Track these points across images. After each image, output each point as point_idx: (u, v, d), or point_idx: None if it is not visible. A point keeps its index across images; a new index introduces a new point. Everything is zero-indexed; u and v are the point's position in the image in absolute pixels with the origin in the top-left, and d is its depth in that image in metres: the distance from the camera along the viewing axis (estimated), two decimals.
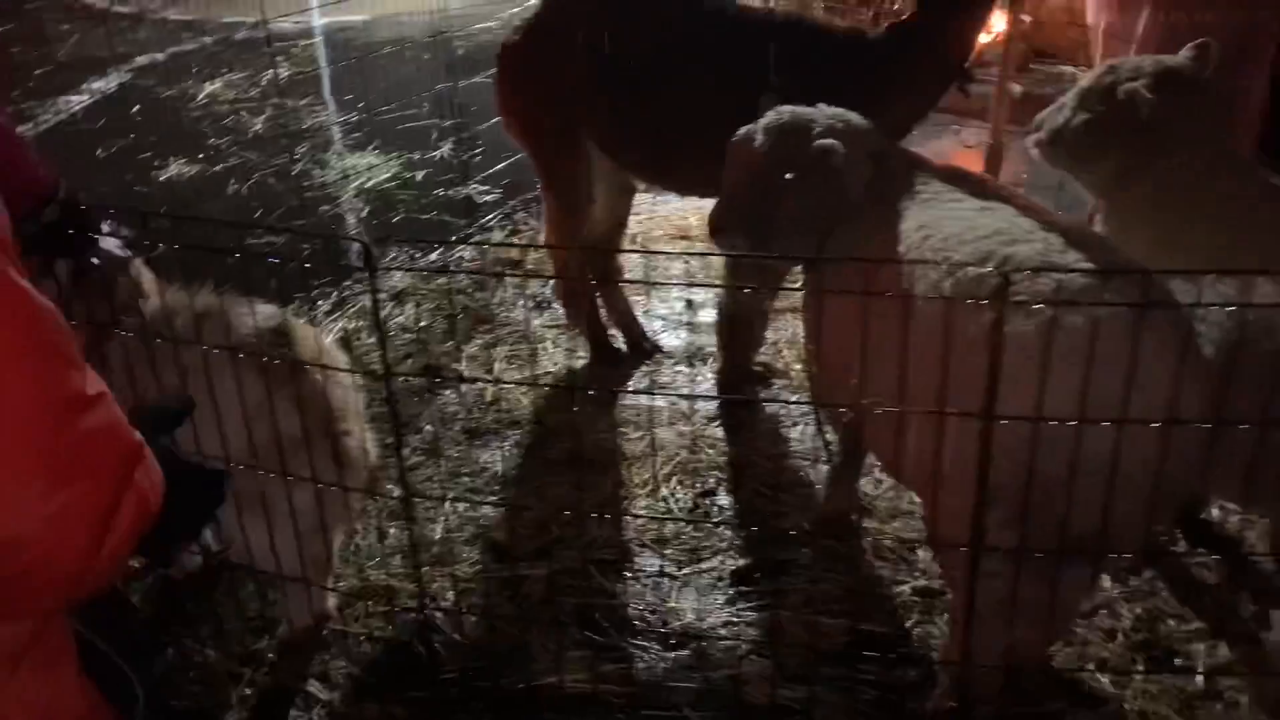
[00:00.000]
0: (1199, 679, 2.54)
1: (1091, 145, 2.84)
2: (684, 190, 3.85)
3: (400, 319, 4.39)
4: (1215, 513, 3.03)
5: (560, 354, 4.11)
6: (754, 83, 3.12)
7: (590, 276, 3.95)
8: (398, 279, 4.68)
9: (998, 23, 6.53)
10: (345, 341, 4.19)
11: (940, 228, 2.41)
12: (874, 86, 3.06)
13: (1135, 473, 1.83)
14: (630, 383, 3.91)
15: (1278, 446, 1.96)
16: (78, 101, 7.46)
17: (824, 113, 2.79)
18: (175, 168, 6.11)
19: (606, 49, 3.35)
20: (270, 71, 7.95)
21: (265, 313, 2.53)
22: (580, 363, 4.05)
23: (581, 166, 3.61)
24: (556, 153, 3.63)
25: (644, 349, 4.06)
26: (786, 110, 2.81)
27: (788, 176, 2.71)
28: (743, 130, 2.81)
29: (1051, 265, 2.11)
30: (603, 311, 4.06)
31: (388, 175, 5.88)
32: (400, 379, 3.93)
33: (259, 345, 2.41)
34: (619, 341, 4.11)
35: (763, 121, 2.81)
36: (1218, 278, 2.40)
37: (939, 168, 2.73)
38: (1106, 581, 2.80)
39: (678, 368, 4.01)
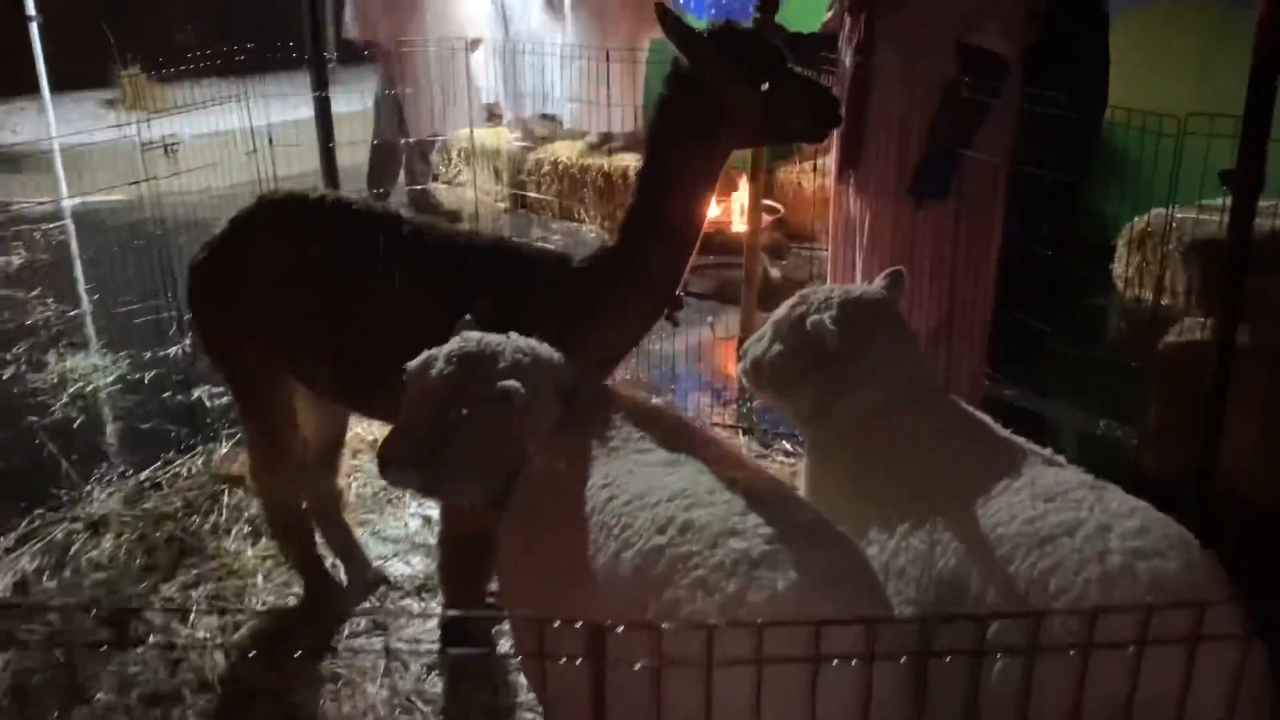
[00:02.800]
0: None
1: (786, 377, 2.74)
2: (392, 419, 3.57)
3: (94, 553, 3.90)
4: None
5: (273, 589, 3.70)
6: (453, 308, 2.92)
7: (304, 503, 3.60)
8: (98, 504, 4.20)
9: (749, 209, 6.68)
10: (21, 586, 3.69)
11: (624, 487, 2.21)
12: (576, 316, 2.91)
13: None
14: (347, 626, 3.52)
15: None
16: None
17: (512, 344, 2.57)
18: None
19: (298, 271, 3.10)
20: (2, 258, 7.40)
21: None
22: (293, 600, 3.65)
23: (279, 392, 3.30)
24: (250, 378, 3.32)
25: (367, 581, 3.70)
26: (473, 337, 2.57)
27: (464, 412, 2.47)
28: (423, 355, 2.54)
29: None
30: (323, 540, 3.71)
31: (111, 378, 5.39)
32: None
33: None
34: (340, 573, 3.74)
35: (446, 348, 2.58)
36: (910, 530, 2.28)
37: (634, 407, 2.54)
38: None
39: (405, 601, 3.66)
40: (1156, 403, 4.11)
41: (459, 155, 8.94)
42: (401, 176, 8.29)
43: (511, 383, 2.43)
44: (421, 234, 3.08)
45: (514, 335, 2.61)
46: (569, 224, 8.03)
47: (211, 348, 3.39)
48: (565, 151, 8.01)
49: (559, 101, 8.17)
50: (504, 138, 8.64)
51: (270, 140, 5.08)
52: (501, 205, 8.43)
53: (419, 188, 8.11)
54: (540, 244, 3.15)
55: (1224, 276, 2.87)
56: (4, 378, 5.43)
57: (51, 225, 8.24)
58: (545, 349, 2.61)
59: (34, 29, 8.30)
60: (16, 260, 7.37)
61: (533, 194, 7.71)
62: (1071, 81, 4.55)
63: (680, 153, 2.93)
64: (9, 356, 5.67)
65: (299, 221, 3.18)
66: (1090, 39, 4.83)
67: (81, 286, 6.83)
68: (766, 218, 6.70)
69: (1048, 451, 2.41)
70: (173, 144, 4.60)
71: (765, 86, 2.83)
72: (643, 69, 7.50)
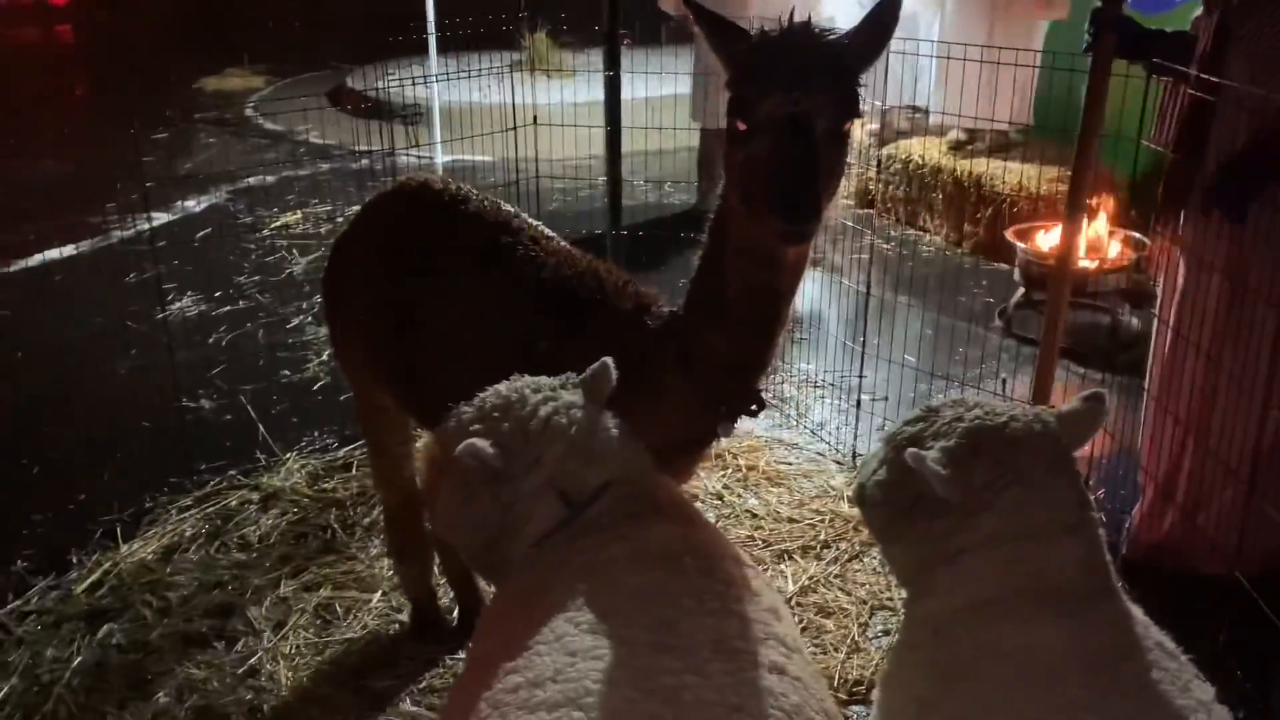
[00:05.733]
0: None
1: (886, 517, 1.90)
2: None
3: (249, 529, 3.79)
4: None
5: (382, 612, 3.37)
6: (510, 340, 2.40)
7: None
8: (284, 474, 4.11)
9: (1110, 248, 5.48)
10: (171, 550, 3.64)
11: (531, 665, 1.58)
12: (629, 385, 2.21)
13: None
14: (430, 675, 3.11)
15: None
16: (160, 220, 7.46)
17: (532, 409, 1.99)
18: (184, 302, 5.87)
19: (390, 269, 2.70)
20: (356, 206, 7.77)
21: None
22: (394, 629, 3.30)
23: (378, 401, 2.93)
24: (356, 378, 3.02)
25: (474, 625, 3.26)
26: (511, 392, 2.04)
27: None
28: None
29: None
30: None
31: None
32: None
33: None
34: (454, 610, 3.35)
35: (477, 398, 2.07)
36: None
37: (657, 540, 1.82)
38: None
39: None
40: None
41: None
42: None
43: (478, 444, 1.88)
44: (513, 250, 2.53)
45: (565, 403, 2.01)
46: (911, 232, 7.11)
47: (332, 339, 3.12)
48: (920, 149, 7.06)
49: (927, 91, 7.22)
50: (858, 128, 7.82)
51: (535, 119, 4.76)
52: (846, 202, 7.64)
53: None
54: (634, 287, 2.44)
55: None
56: (289, 326, 5.60)
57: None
58: (573, 430, 1.98)
59: None
60: None
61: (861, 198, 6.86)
62: None
63: (726, 201, 2.14)
64: (305, 305, 5.86)
65: (406, 217, 2.78)
66: None
67: None
68: (1128, 252, 5.45)
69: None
70: (414, 114, 4.38)
71: (742, 127, 1.93)
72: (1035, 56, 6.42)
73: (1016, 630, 1.63)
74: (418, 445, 3.25)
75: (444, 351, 2.55)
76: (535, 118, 4.82)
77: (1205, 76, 2.95)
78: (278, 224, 7.35)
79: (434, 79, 7.91)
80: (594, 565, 1.77)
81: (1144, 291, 5.55)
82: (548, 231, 2.67)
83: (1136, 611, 1.71)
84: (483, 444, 1.87)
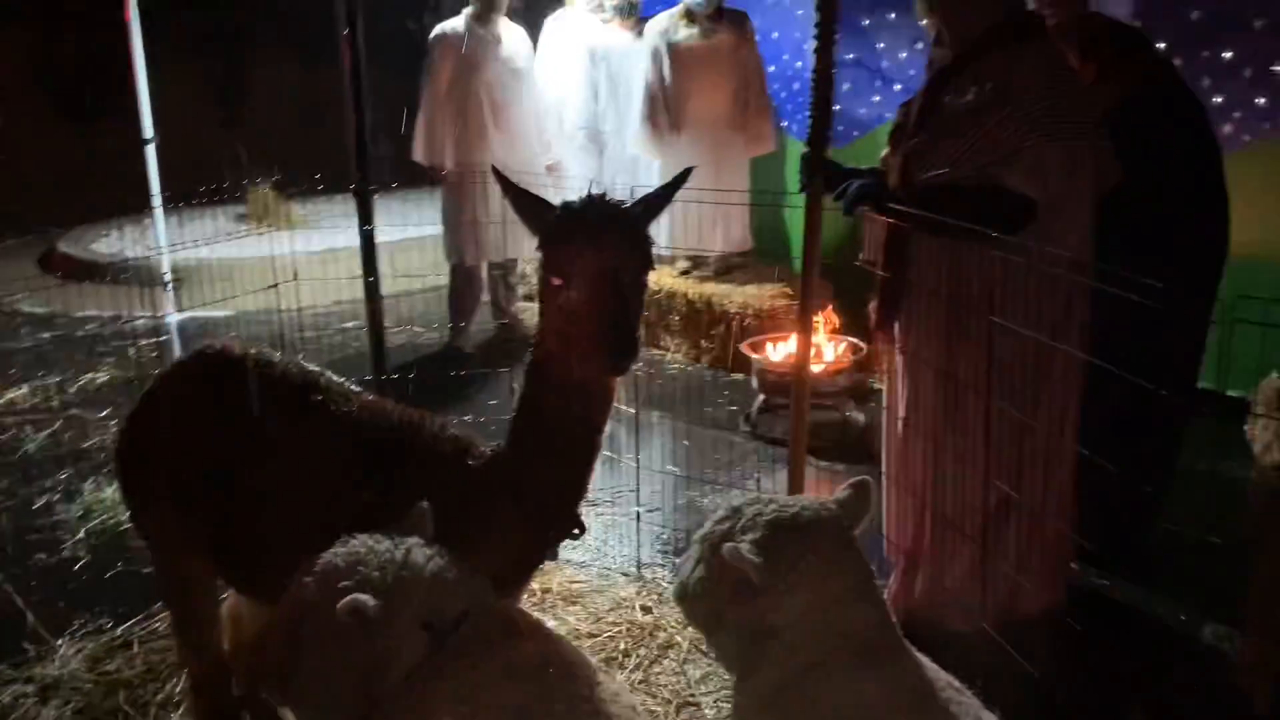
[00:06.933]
0: None
1: (708, 611, 2.18)
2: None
3: None
4: None
5: None
6: (335, 498, 2.52)
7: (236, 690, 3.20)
8: (59, 662, 3.91)
9: (832, 353, 6.10)
10: None
11: None
12: (459, 529, 2.40)
13: None
14: None
15: None
16: None
17: (387, 554, 2.14)
18: None
19: (195, 437, 2.77)
20: (88, 375, 7.47)
21: None
22: None
23: (187, 569, 2.94)
24: (158, 550, 3.02)
25: None
26: (358, 545, 2.18)
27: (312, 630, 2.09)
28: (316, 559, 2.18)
29: None
30: None
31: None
32: None
33: None
34: None
35: (325, 557, 2.19)
36: None
37: (515, 660, 2.01)
38: None
39: None
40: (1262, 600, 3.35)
41: None
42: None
43: (360, 598, 2.00)
44: (325, 408, 2.68)
45: (411, 543, 2.17)
46: (655, 352, 7.61)
47: (130, 510, 3.10)
48: (654, 278, 7.61)
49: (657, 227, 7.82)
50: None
51: (295, 274, 4.87)
52: None
53: (504, 320, 7.87)
54: (451, 431, 2.64)
55: None
56: (34, 507, 5.31)
57: (149, 340, 8.33)
58: (430, 564, 2.14)
59: (149, 150, 8.51)
60: (101, 377, 7.40)
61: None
62: (1173, 230, 3.88)
63: (544, 347, 2.44)
64: (48, 484, 5.57)
65: (210, 384, 2.86)
66: (1194, 176, 4.12)
67: None
68: (848, 356, 6.13)
69: None
70: (171, 280, 4.41)
71: (558, 282, 2.26)
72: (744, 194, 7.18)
73: (842, 687, 1.94)
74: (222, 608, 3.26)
75: (264, 514, 2.63)
76: (296, 273, 4.92)
77: (896, 207, 3.52)
78: (3, 400, 6.94)
79: (164, 250, 7.83)
80: (468, 686, 1.93)
81: (864, 388, 6.24)
82: (354, 387, 2.83)
83: (923, 659, 2.06)
84: (364, 598, 1.98)
